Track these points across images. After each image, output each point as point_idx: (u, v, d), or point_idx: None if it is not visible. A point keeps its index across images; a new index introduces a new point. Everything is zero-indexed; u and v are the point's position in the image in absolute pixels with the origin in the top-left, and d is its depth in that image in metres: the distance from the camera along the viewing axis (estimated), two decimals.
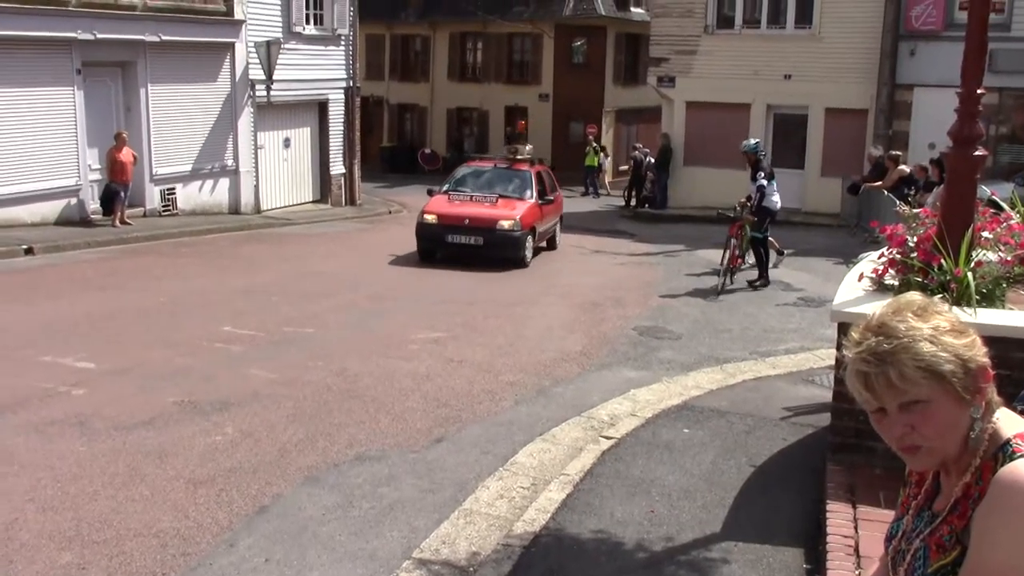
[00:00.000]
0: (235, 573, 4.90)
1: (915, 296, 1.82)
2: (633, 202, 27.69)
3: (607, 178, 33.67)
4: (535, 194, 16.88)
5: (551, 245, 17.99)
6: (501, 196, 16.68)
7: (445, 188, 17.44)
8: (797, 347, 10.21)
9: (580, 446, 6.78)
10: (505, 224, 15.69)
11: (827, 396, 7.84)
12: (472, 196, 16.80)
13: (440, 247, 15.97)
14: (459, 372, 8.91)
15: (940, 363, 1.71)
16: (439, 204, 16.67)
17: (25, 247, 15.06)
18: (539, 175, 17.70)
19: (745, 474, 6.14)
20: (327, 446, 6.80)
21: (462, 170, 18.59)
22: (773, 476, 6.15)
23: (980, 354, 1.75)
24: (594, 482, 5.97)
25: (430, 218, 16.07)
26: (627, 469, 6.21)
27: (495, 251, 15.65)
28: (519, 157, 18.09)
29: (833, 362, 8.50)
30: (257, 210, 22.19)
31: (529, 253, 16.04)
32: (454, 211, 16.16)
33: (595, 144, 33.01)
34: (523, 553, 4.98)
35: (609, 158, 33.64)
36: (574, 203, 29.55)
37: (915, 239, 5.95)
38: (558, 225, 18.39)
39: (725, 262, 13.48)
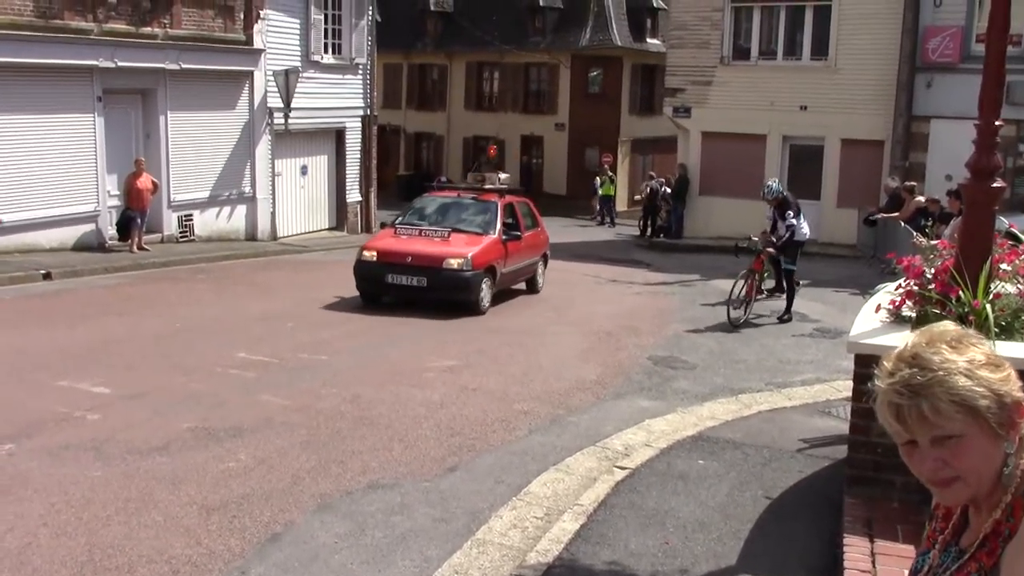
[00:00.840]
0: None
1: (949, 326, 1.78)
2: (648, 231, 27.70)
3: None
4: (499, 229, 14.66)
5: (531, 287, 16.12)
6: (456, 230, 14.56)
7: (396, 220, 15.75)
8: (813, 378, 10.15)
9: (594, 476, 6.74)
10: (453, 263, 13.55)
11: (844, 428, 7.79)
12: (422, 230, 14.69)
13: (380, 288, 13.97)
14: (473, 400, 8.89)
15: (975, 398, 1.66)
16: (383, 239, 14.91)
17: (43, 272, 15.16)
18: (509, 207, 15.61)
19: (761, 506, 6.08)
20: (340, 473, 6.78)
21: (420, 201, 16.57)
22: (789, 509, 6.09)
23: (1015, 388, 1.71)
24: (608, 513, 5.93)
25: (369, 255, 14.06)
26: (642, 500, 6.17)
27: (441, 294, 13.56)
28: (487, 187, 16.64)
29: (850, 394, 8.46)
30: (273, 237, 22.30)
31: (486, 297, 13.84)
32: (397, 247, 14.11)
33: (610, 173, 33.12)
34: None
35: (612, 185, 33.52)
36: (589, 232, 29.64)
37: (932, 270, 5.92)
38: (540, 265, 16.38)
39: (742, 293, 13.37)
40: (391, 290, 13.90)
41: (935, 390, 1.67)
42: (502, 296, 14.82)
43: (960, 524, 1.85)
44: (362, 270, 14.04)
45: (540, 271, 16.41)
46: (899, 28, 22.61)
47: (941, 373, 1.67)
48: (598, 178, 33.16)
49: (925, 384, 1.68)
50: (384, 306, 13.81)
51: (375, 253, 14.05)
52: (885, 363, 1.75)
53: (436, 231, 14.57)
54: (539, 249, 16.34)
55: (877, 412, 1.77)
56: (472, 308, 13.61)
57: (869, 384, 1.79)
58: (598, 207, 33.27)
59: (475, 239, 14.33)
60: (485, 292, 13.84)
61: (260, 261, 19.40)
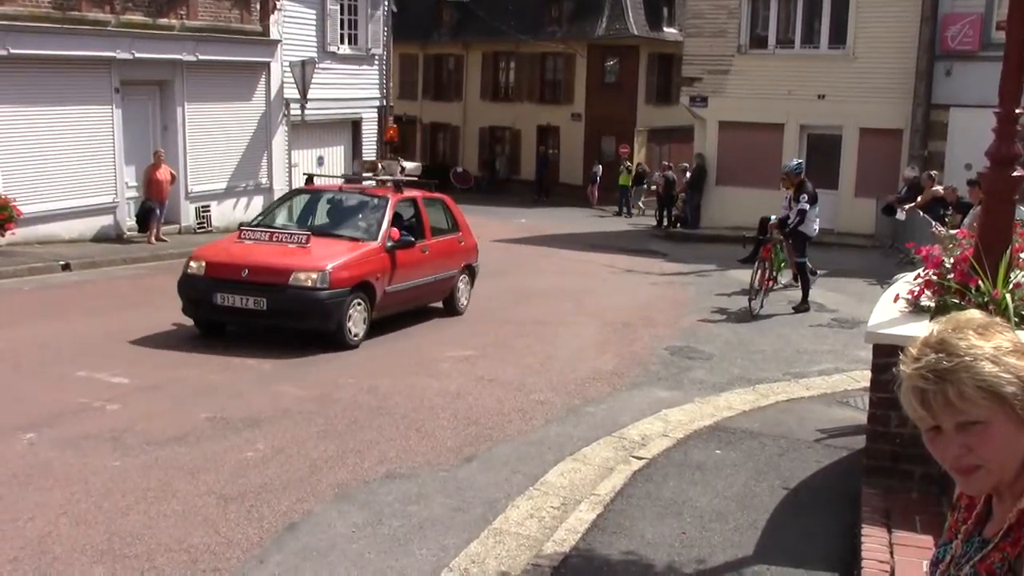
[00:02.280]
0: None
1: (976, 314, 1.78)
2: (665, 222, 27.64)
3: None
4: (384, 234, 11.21)
5: (449, 307, 12.70)
6: (324, 234, 11.28)
7: (254, 220, 12.47)
8: (831, 368, 10.11)
9: (611, 466, 6.74)
10: (303, 278, 10.16)
11: (861, 419, 7.76)
12: (274, 234, 11.25)
13: (208, 312, 10.60)
14: (489, 391, 8.90)
15: (1002, 384, 1.65)
16: (218, 245, 11.71)
17: (62, 263, 15.27)
18: (410, 205, 12.33)
19: (778, 497, 6.06)
20: (357, 463, 6.81)
21: (290, 196, 13.39)
22: (806, 499, 6.07)
23: None
24: (625, 503, 5.92)
25: (196, 267, 10.65)
26: (658, 490, 6.16)
27: (285, 320, 10.32)
28: (379, 178, 13.02)
29: (867, 384, 8.42)
30: None
31: (355, 326, 10.50)
32: (231, 257, 10.76)
33: (627, 163, 33.06)
34: (553, 574, 4.94)
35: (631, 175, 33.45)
36: (606, 223, 29.60)
37: (952, 260, 5.88)
38: (461, 280, 12.86)
39: (757, 283, 13.33)
40: (222, 314, 10.56)
41: (961, 375, 1.66)
42: (404, 320, 11.83)
43: (983, 514, 1.84)
44: (187, 287, 10.65)
45: (461, 288, 12.91)
46: (918, 16, 22.43)
47: (968, 359, 1.67)
48: (621, 167, 33.11)
49: (951, 369, 1.67)
50: None
51: (203, 264, 10.64)
52: (911, 349, 1.75)
53: (292, 235, 11.13)
54: (458, 260, 12.84)
55: (901, 398, 1.76)
56: (334, 340, 10.32)
57: (893, 370, 1.79)
58: (619, 197, 33.21)
59: (346, 246, 10.97)
60: (354, 318, 10.51)
61: None
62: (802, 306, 13.53)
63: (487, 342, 11.08)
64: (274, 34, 21.22)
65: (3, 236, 15.70)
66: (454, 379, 9.27)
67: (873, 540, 4.85)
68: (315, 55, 22.35)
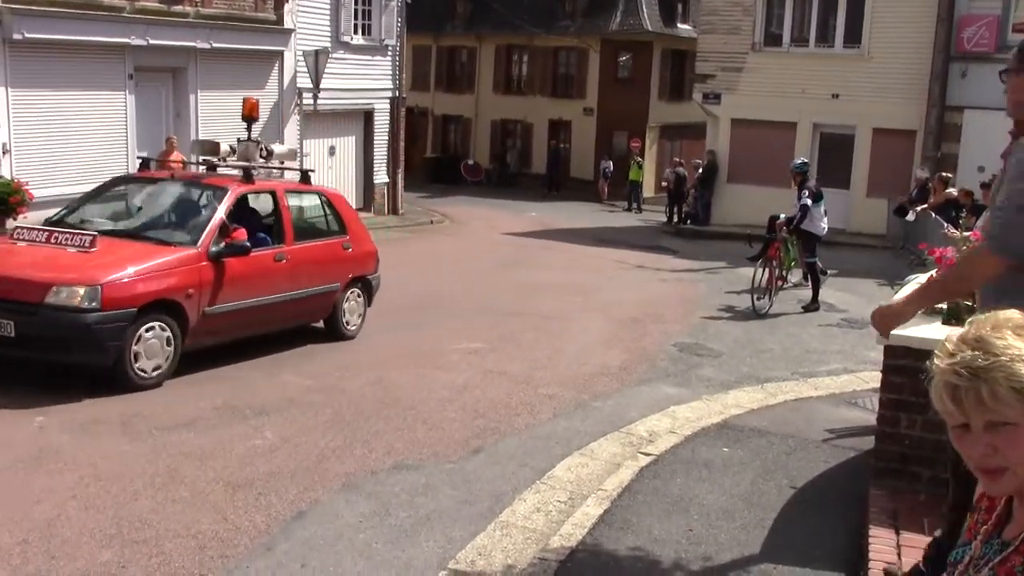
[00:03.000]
0: None
1: (1015, 314, 1.77)
2: (675, 218, 27.60)
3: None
4: (208, 236, 8.75)
5: (333, 330, 10.43)
6: (123, 236, 8.88)
7: (55, 216, 9.67)
8: (840, 369, 10.09)
9: (618, 462, 6.74)
10: (64, 294, 7.72)
11: (870, 419, 7.74)
12: (53, 234, 8.58)
13: None
14: (497, 384, 8.90)
15: None
16: None
17: None
18: (273, 200, 10.07)
19: (785, 496, 6.06)
20: (365, 454, 6.82)
21: (109, 186, 10.39)
22: (814, 499, 6.06)
23: None
24: (632, 499, 5.92)
25: None
26: (665, 487, 6.16)
27: (40, 349, 7.82)
28: (220, 162, 10.31)
29: (876, 385, 8.39)
30: None
31: (151, 358, 8.10)
32: None
33: (639, 159, 33.01)
34: (559, 568, 4.95)
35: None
36: (616, 218, 29.58)
37: None
38: (347, 296, 10.51)
39: (764, 283, 13.33)
40: None
41: (996, 375, 1.66)
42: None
43: (1004, 516, 1.84)
44: None
45: (349, 306, 10.56)
46: (934, 16, 22.36)
47: (1004, 359, 1.66)
48: (632, 162, 33.09)
49: (986, 368, 1.67)
50: (406, 288, 13.83)
51: None
52: (947, 343, 1.75)
53: (75, 236, 8.47)
54: (342, 270, 10.43)
55: (931, 392, 1.76)
56: (114, 375, 7.96)
57: (927, 362, 1.78)
58: (628, 192, 33.20)
59: (144, 252, 8.47)
60: (148, 349, 8.08)
61: None
62: (812, 306, 13.51)
63: (495, 335, 11.08)
64: (288, 23, 21.21)
65: (15, 220, 15.74)
66: (462, 371, 9.28)
67: (880, 541, 4.85)
68: (328, 45, 22.32)
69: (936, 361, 1.74)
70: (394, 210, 25.63)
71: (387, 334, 10.85)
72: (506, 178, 38.49)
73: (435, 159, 40.08)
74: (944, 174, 19.20)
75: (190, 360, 8.66)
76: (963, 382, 1.68)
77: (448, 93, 41.38)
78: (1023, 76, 3.80)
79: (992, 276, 3.75)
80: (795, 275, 14.69)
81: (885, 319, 4.19)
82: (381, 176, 25.38)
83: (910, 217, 19.23)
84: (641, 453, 6.86)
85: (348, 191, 24.53)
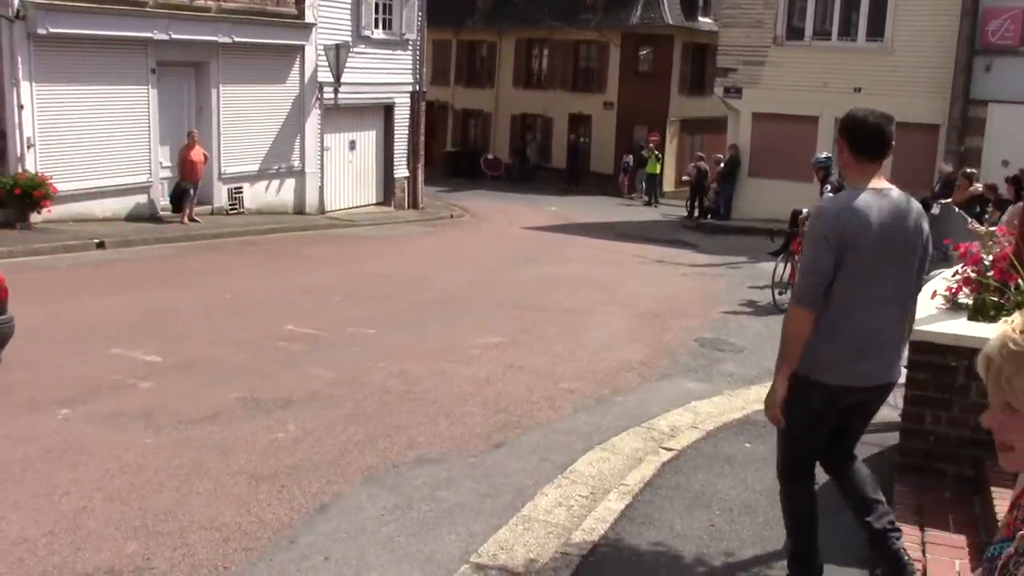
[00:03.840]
0: (295, 570, 4.94)
1: None
2: (695, 212, 27.51)
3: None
4: None
5: None
6: None
7: None
8: None
9: (640, 457, 6.73)
10: None
11: (892, 415, 7.68)
12: None
13: None
14: (518, 378, 8.90)
15: None
16: None
17: (97, 241, 15.42)
18: None
19: None
20: (387, 447, 6.84)
21: None
22: (836, 495, 6.02)
23: None
24: (654, 494, 5.92)
25: None
26: (687, 482, 6.15)
27: None
28: None
29: (901, 380, 8.34)
30: (321, 211, 22.46)
31: None
32: None
33: (656, 152, 32.93)
34: (581, 562, 4.95)
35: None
36: (635, 212, 29.50)
37: (991, 257, 5.81)
38: None
39: (785, 276, 13.27)
40: None
41: (1020, 365, 1.73)
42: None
43: None
44: None
45: None
46: (958, 9, 22.14)
47: None
48: (643, 153, 33.05)
49: (1016, 355, 1.73)
50: (428, 283, 13.86)
51: None
52: (1014, 321, 1.80)
53: None
54: None
55: (979, 357, 1.83)
56: None
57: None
58: (643, 185, 33.16)
59: None
60: None
61: (308, 235, 19.55)
62: None
63: (516, 329, 11.08)
64: (309, 17, 21.26)
65: (39, 213, 15.88)
66: (483, 365, 9.29)
67: (905, 538, 4.81)
68: (349, 39, 22.38)
69: (999, 328, 1.81)
70: (414, 204, 25.66)
71: (408, 328, 10.87)
72: (526, 172, 38.44)
73: (455, 153, 40.08)
74: (969, 170, 19.03)
75: (213, 352, 8.69)
76: (996, 359, 1.76)
77: (468, 87, 41.36)
78: None
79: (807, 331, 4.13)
80: None
81: (771, 407, 4.30)
82: (401, 170, 25.42)
83: (935, 211, 19.06)
84: (663, 448, 6.85)
85: (368, 185, 24.70)
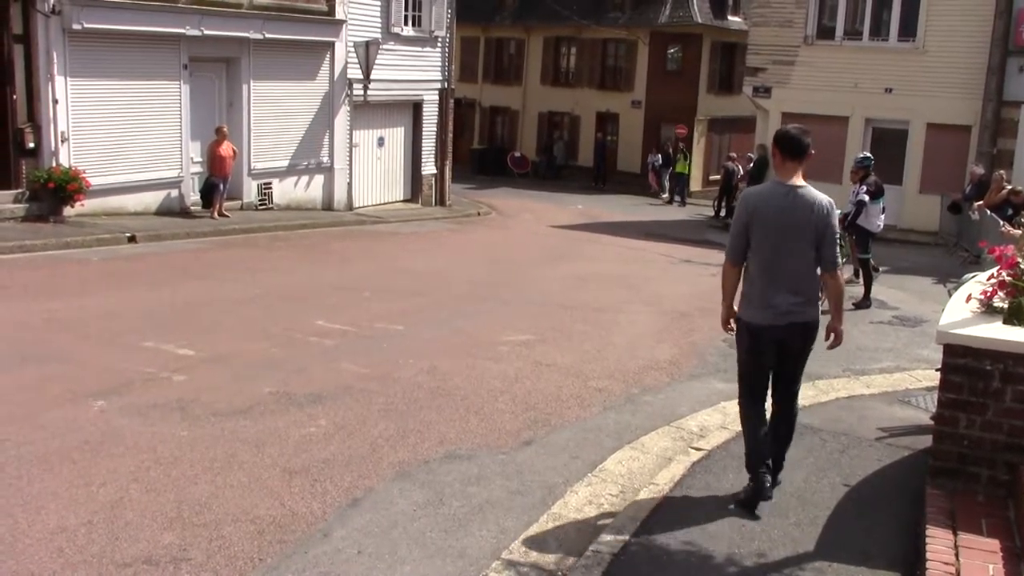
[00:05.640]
0: (329, 563, 4.99)
1: None
2: (723, 212, 27.41)
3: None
4: None
5: None
6: None
7: None
8: (893, 367, 9.99)
9: (669, 456, 6.74)
10: None
11: (924, 418, 7.68)
12: None
13: None
14: (548, 376, 8.93)
15: None
16: None
17: (128, 235, 15.57)
18: None
19: (839, 494, 6.03)
20: (418, 443, 6.88)
21: None
22: (868, 497, 6.02)
23: None
24: (684, 493, 5.93)
25: None
26: (717, 481, 6.15)
27: None
28: None
29: (931, 383, 8.30)
30: (349, 207, 22.56)
31: None
32: None
33: (684, 150, 32.84)
34: (612, 560, 4.97)
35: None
36: (663, 211, 29.44)
37: None
38: None
39: None
40: None
41: None
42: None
43: None
44: None
45: None
46: (992, 10, 21.97)
47: None
48: (660, 154, 33.00)
49: None
50: (456, 279, 13.90)
51: None
52: None
53: None
54: None
55: None
56: None
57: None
58: (668, 184, 33.08)
59: None
60: None
61: (336, 231, 19.65)
62: (864, 302, 13.37)
63: (545, 327, 11.10)
64: (339, 14, 21.35)
65: (72, 207, 16.05)
66: (512, 363, 9.32)
67: (938, 541, 4.81)
68: (379, 36, 22.45)
69: None
70: (441, 201, 25.72)
71: (437, 324, 10.92)
72: (552, 170, 38.43)
73: (482, 151, 40.11)
74: (1002, 172, 18.89)
75: (245, 346, 8.76)
76: None
77: (496, 85, 41.38)
78: None
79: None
80: (846, 271, 14.53)
81: (722, 324, 6.18)
82: (429, 167, 25.48)
83: (973, 216, 18.86)
84: (692, 448, 6.86)
85: (396, 181, 24.79)
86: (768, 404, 5.91)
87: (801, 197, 5.54)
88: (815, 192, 5.59)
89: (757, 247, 5.57)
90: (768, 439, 5.77)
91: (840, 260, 5.69)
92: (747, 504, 5.66)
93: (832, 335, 5.76)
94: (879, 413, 7.96)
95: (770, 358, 5.73)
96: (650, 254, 18.45)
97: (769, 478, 5.72)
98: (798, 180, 5.60)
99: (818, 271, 5.61)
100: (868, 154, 14.82)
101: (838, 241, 12.97)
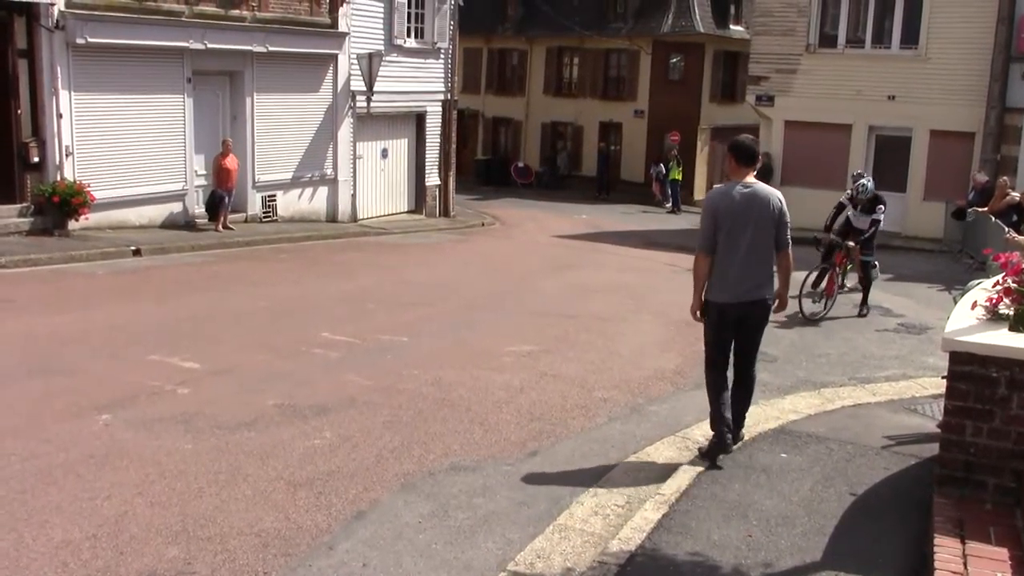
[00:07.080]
0: None
1: None
2: None
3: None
4: None
5: None
6: None
7: None
8: (898, 374, 9.96)
9: (675, 466, 6.72)
10: None
11: (930, 426, 7.65)
12: None
13: None
14: (552, 386, 8.92)
15: None
16: None
17: (133, 248, 15.60)
18: None
19: (845, 503, 6.00)
20: (423, 454, 6.87)
21: None
22: (875, 506, 6.00)
23: None
24: (690, 503, 5.91)
25: None
26: (723, 492, 6.13)
27: None
28: None
29: (937, 391, 8.28)
30: (354, 219, 22.58)
31: None
32: None
33: (678, 157, 32.88)
34: (619, 572, 4.95)
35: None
36: (666, 220, 29.43)
37: None
38: None
39: (822, 287, 13.21)
40: None
41: None
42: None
43: None
44: None
45: None
46: (994, 17, 21.99)
47: None
48: (662, 163, 33.02)
49: None
50: (460, 290, 13.89)
51: None
52: None
53: None
54: None
55: None
56: None
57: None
58: (669, 192, 33.12)
59: None
60: None
61: (340, 242, 19.67)
62: (865, 309, 13.37)
63: (549, 337, 11.09)
64: (342, 27, 21.42)
65: (77, 221, 16.08)
66: (517, 373, 9.31)
67: (946, 550, 4.78)
68: (382, 48, 22.51)
69: None
70: (445, 212, 25.75)
71: (441, 336, 10.91)
72: (556, 180, 38.45)
73: (485, 161, 40.15)
74: (1005, 179, 18.88)
75: (250, 358, 8.76)
76: None
77: (499, 95, 41.44)
78: None
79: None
80: (851, 279, 14.52)
81: (691, 312, 7.04)
82: (432, 178, 25.52)
83: (969, 219, 18.87)
84: (698, 458, 6.83)
85: (399, 193, 24.82)
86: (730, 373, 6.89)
87: (757, 193, 6.58)
88: (768, 188, 6.70)
89: (723, 238, 6.53)
90: (729, 401, 6.75)
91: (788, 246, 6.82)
92: (709, 455, 6.65)
93: (777, 300, 6.85)
94: (885, 421, 7.93)
95: (731, 332, 6.74)
96: (654, 263, 18.45)
97: (730, 436, 6.77)
98: (751, 180, 6.62)
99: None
100: (870, 179, 14.21)
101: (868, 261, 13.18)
